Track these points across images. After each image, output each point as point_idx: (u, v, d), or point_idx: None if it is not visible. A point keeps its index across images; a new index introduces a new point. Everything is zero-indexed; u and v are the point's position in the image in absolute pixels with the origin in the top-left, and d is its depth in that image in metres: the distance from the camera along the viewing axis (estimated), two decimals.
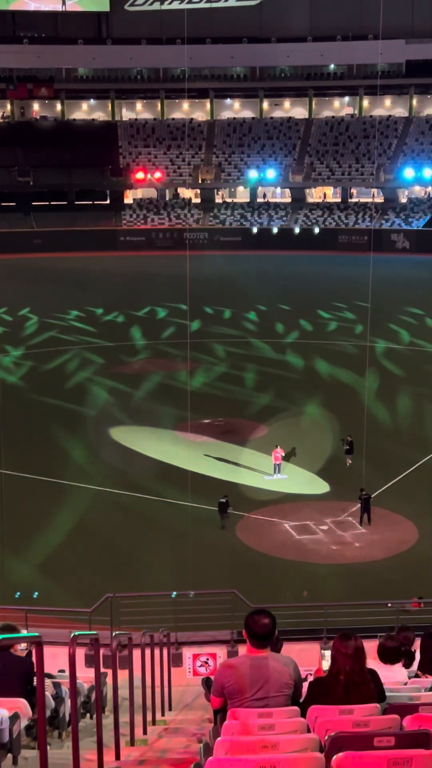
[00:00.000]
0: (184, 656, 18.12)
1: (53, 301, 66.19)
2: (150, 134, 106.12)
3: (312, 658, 15.55)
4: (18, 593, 21.91)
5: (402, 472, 32.35)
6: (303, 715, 6.54)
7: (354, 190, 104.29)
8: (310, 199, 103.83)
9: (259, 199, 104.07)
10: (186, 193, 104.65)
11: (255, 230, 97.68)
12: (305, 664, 11.40)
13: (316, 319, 60.12)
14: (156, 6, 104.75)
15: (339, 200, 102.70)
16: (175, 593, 19.37)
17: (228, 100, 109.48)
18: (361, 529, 28.02)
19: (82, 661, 15.70)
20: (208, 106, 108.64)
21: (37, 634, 6.72)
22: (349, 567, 25.66)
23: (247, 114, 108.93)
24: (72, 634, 7.83)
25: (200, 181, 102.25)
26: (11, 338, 55.15)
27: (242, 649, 17.64)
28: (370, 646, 8.29)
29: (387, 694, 7.32)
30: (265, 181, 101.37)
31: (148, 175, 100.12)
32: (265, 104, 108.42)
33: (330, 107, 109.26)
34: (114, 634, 14.17)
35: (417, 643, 11.34)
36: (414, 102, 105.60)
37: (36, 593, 21.92)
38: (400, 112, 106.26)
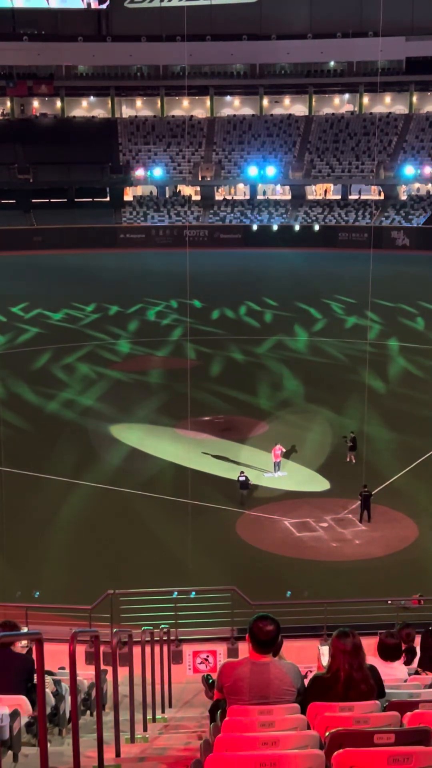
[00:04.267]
0: (184, 653, 18.14)
1: (53, 298, 66.16)
2: (150, 131, 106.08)
3: (312, 656, 15.55)
4: (19, 592, 21.89)
5: (402, 470, 32.35)
6: (303, 712, 6.54)
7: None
8: (310, 196, 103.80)
9: (259, 197, 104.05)
10: (186, 190, 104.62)
11: (255, 227, 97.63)
12: (305, 662, 11.43)
13: (317, 316, 60.10)
14: (156, 3, 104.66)
15: (339, 197, 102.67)
16: (176, 593, 19.37)
17: (228, 97, 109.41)
18: (361, 526, 28.03)
19: (83, 658, 15.73)
20: (208, 103, 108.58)
21: (37, 631, 6.73)
22: (349, 564, 25.66)
23: (247, 111, 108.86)
24: (72, 631, 7.84)
25: (200, 178, 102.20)
26: (12, 335, 55.12)
27: (242, 647, 17.69)
28: (371, 644, 8.30)
29: (387, 691, 7.32)
30: (265, 178, 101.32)
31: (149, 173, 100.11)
32: (265, 101, 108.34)
33: (330, 104, 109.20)
34: (114, 631, 14.18)
35: (417, 640, 11.35)
36: (414, 99, 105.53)
37: (37, 593, 21.90)
38: (400, 109, 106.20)
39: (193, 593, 19.97)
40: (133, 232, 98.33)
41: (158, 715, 14.03)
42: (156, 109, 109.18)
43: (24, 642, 9.91)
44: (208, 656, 18.19)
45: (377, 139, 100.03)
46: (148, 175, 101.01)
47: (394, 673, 8.47)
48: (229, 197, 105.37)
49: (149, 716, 13.21)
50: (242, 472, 29.91)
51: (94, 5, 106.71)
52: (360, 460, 32.02)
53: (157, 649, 15.36)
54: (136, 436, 36.50)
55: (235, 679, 6.56)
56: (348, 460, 32.76)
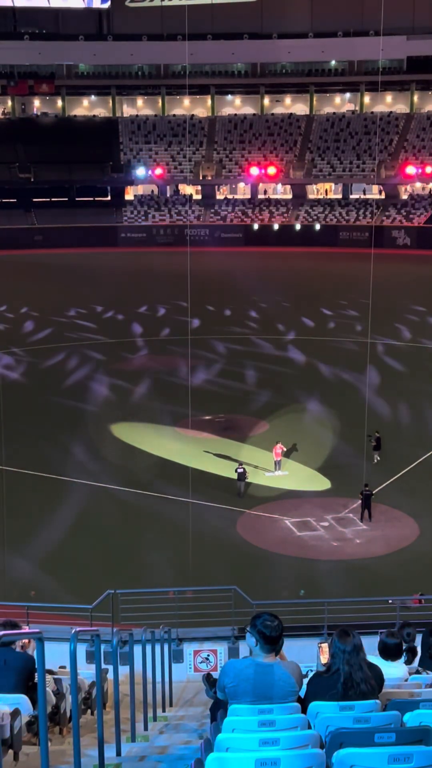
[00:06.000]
0: (185, 652, 18.15)
1: (54, 297, 66.17)
2: (151, 130, 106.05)
3: (312, 655, 15.54)
4: (14, 593, 21.86)
5: (403, 469, 32.35)
6: (303, 711, 6.55)
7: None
8: (311, 196, 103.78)
9: (260, 196, 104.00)
10: (187, 189, 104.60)
11: (256, 227, 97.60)
12: (306, 661, 11.41)
13: (317, 316, 60.10)
14: (157, 2, 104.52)
15: (340, 196, 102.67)
16: (173, 592, 19.37)
17: (229, 97, 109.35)
18: (362, 525, 28.03)
19: (83, 657, 15.74)
20: (209, 102, 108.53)
21: (38, 630, 6.73)
22: (349, 563, 25.67)
23: (248, 110, 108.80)
24: (73, 631, 7.84)
25: (201, 178, 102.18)
26: (12, 335, 55.12)
27: (243, 646, 17.68)
28: (371, 643, 8.30)
29: (388, 690, 7.33)
30: (266, 177, 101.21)
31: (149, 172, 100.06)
32: (266, 100, 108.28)
33: (331, 103, 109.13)
34: (115, 630, 14.20)
35: (418, 639, 11.36)
36: (415, 98, 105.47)
37: (32, 593, 21.86)
38: (401, 108, 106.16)
39: (190, 594, 19.94)
40: (134, 231, 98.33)
41: (159, 714, 14.04)
42: (157, 108, 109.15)
43: (25, 641, 9.90)
44: (209, 655, 18.21)
45: (378, 139, 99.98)
46: (149, 174, 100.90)
47: (395, 673, 8.48)
48: (230, 196, 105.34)
49: (150, 715, 13.22)
50: (240, 464, 30.64)
51: (96, 4, 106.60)
52: (361, 459, 32.00)
53: (157, 648, 15.37)
54: (137, 435, 36.50)
55: (239, 680, 6.55)
56: (374, 460, 32.60)
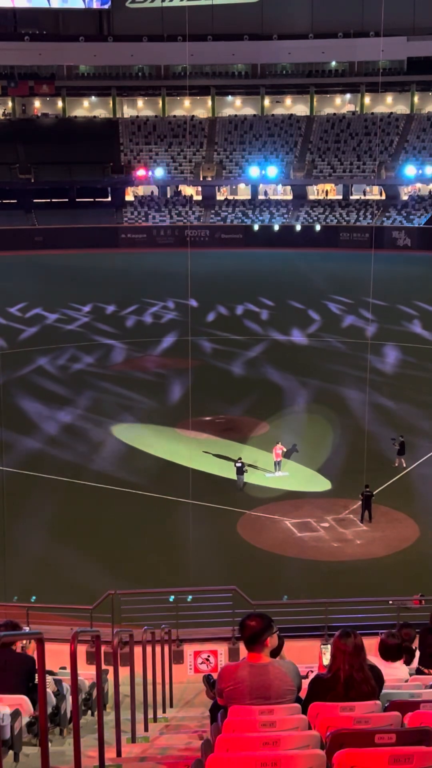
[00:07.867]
0: (185, 653, 18.14)
1: (54, 298, 66.16)
2: (151, 131, 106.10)
3: (313, 656, 15.54)
4: (16, 597, 21.82)
5: (404, 470, 32.32)
6: (304, 712, 6.54)
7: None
8: (311, 197, 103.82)
9: (261, 197, 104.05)
10: (187, 190, 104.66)
11: (256, 227, 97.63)
12: (306, 662, 11.42)
13: (317, 315, 60.10)
14: (157, 3, 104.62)
15: (340, 197, 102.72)
16: (172, 597, 19.33)
17: (229, 97, 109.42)
18: (362, 526, 28.02)
19: (84, 658, 15.74)
20: (210, 103, 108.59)
21: (38, 631, 6.73)
22: (350, 564, 25.65)
23: (249, 111, 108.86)
24: (73, 631, 7.84)
25: (201, 178, 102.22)
26: (12, 335, 55.11)
27: (243, 647, 17.66)
28: (371, 644, 8.30)
29: (388, 691, 7.33)
30: (266, 178, 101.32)
31: (149, 173, 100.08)
32: (267, 101, 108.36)
33: (331, 104, 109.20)
34: (115, 631, 14.19)
35: (417, 640, 11.36)
36: (415, 99, 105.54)
37: (34, 597, 21.83)
38: (402, 109, 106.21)
39: (190, 597, 19.90)
40: (135, 232, 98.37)
41: (159, 715, 14.03)
42: (157, 109, 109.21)
43: (25, 642, 9.90)
44: (209, 656, 18.19)
45: (378, 139, 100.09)
46: (150, 175, 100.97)
47: (395, 673, 8.48)
48: (230, 197, 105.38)
49: (150, 716, 13.21)
50: (240, 459, 31.07)
51: (96, 5, 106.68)
52: (361, 459, 31.95)
53: (158, 649, 15.36)
54: (137, 436, 36.49)
55: (235, 682, 6.56)
56: (396, 464, 32.50)
